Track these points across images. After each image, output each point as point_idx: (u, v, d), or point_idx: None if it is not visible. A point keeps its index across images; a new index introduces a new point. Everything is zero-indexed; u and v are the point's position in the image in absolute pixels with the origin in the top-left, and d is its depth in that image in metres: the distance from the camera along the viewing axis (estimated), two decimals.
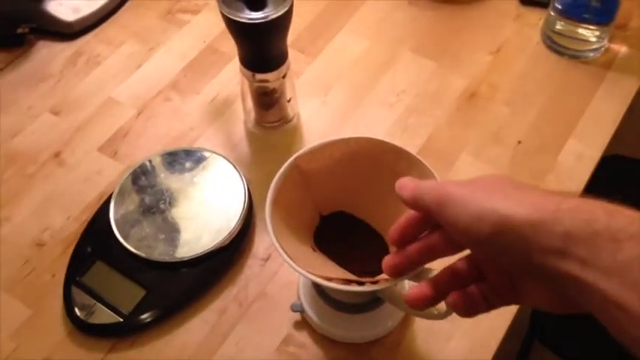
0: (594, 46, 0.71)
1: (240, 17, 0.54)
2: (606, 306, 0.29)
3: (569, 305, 0.34)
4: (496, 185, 0.35)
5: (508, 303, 0.38)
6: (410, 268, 0.40)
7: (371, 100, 0.70)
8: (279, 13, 0.54)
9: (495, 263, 0.36)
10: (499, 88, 0.70)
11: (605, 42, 0.71)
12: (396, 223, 0.40)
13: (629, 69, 0.70)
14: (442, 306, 0.45)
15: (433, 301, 0.39)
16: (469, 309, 0.38)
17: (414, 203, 0.38)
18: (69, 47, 0.76)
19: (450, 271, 0.39)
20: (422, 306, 0.39)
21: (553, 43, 0.72)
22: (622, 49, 0.72)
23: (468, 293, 0.38)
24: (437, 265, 0.40)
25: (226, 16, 0.55)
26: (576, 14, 0.69)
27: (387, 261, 0.40)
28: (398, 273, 0.40)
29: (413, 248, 0.39)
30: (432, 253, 0.39)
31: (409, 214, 0.39)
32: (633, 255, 0.29)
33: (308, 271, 0.43)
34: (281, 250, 0.43)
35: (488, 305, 0.38)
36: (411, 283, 0.56)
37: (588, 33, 0.70)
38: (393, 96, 0.70)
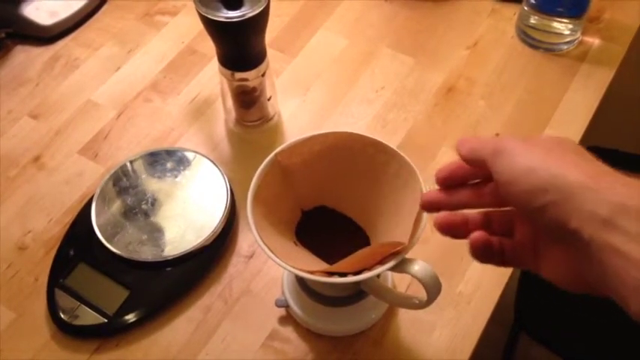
0: (568, 39, 0.72)
1: (216, 16, 0.54)
2: None
3: (584, 284, 0.33)
4: (556, 146, 0.34)
5: (525, 266, 0.38)
6: (446, 206, 0.40)
7: (351, 97, 0.71)
8: (256, 12, 0.54)
9: (531, 223, 0.36)
10: (476, 82, 0.71)
11: (579, 35, 0.73)
12: (445, 165, 0.39)
13: (602, 61, 0.72)
14: (423, 296, 0.46)
15: (453, 227, 0.39)
16: (483, 253, 0.37)
17: (471, 156, 0.37)
18: (47, 51, 0.76)
19: (484, 214, 0.39)
20: (434, 209, 0.40)
21: (527, 37, 0.73)
22: (595, 41, 0.73)
23: (489, 238, 0.37)
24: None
25: (203, 16, 0.55)
26: (549, 8, 0.70)
27: (428, 196, 0.40)
28: (433, 208, 0.40)
29: (459, 190, 0.39)
30: (475, 200, 0.38)
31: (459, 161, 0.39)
32: None
33: (291, 265, 0.43)
34: (263, 245, 0.44)
35: (504, 261, 0.38)
36: (394, 275, 0.57)
37: (562, 26, 0.71)
38: (372, 92, 0.71)
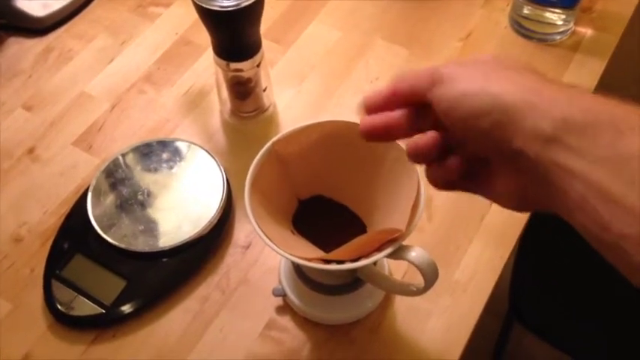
0: (561, 30, 0.73)
1: (212, 5, 0.54)
2: (592, 198, 0.27)
3: (532, 202, 0.32)
4: (495, 65, 0.33)
5: (470, 190, 0.36)
6: (384, 133, 0.36)
7: (345, 88, 0.71)
8: (251, 1, 0.54)
9: (474, 145, 0.34)
10: None
11: (572, 25, 0.73)
12: (372, 93, 0.37)
13: (595, 51, 0.72)
14: (420, 282, 0.46)
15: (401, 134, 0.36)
16: (439, 180, 0.36)
17: (412, 93, 0.35)
18: (40, 43, 0.75)
19: (432, 135, 0.35)
20: (373, 136, 0.36)
21: (521, 28, 0.74)
22: (588, 31, 0.74)
23: (444, 166, 0.35)
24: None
25: (198, 5, 0.55)
26: None
27: (365, 120, 0.36)
28: (372, 133, 0.37)
29: (397, 111, 0.35)
30: (415, 123, 0.35)
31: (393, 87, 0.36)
32: (635, 149, 0.27)
33: (288, 253, 0.43)
34: (261, 233, 0.44)
35: (453, 184, 0.36)
36: (390, 263, 0.57)
37: (555, 17, 0.72)
38: (366, 83, 0.71)
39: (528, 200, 0.33)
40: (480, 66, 0.33)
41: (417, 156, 0.36)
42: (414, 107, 0.36)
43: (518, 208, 0.34)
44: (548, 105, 0.29)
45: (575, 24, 0.74)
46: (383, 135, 0.37)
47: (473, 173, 0.36)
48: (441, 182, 0.37)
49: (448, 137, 0.35)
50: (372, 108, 0.37)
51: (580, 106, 0.29)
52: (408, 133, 0.36)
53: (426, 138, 0.35)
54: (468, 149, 0.35)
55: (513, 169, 0.33)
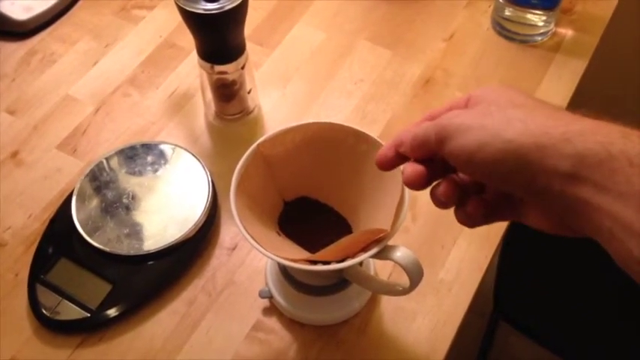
0: (542, 31, 0.74)
1: (195, 8, 0.54)
2: (619, 233, 0.28)
3: (567, 229, 0.33)
4: (499, 107, 0.33)
5: (505, 219, 0.38)
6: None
7: (330, 90, 0.71)
8: (235, 4, 0.55)
9: (499, 186, 0.35)
10: (453, 73, 0.72)
11: (552, 26, 0.74)
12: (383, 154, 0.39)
13: (575, 51, 0.73)
14: (405, 282, 0.46)
15: (448, 201, 0.37)
16: (470, 219, 0.37)
17: (423, 154, 0.36)
18: (23, 46, 0.75)
19: (452, 181, 0.37)
20: (418, 186, 0.37)
21: (503, 29, 0.75)
22: (568, 32, 0.75)
23: (466, 213, 0.37)
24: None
25: (182, 8, 0.55)
26: (523, 0, 0.71)
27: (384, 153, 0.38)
28: (391, 164, 0.39)
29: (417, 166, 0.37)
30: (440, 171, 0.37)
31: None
32: None
33: (274, 254, 0.44)
34: (247, 234, 0.44)
35: (486, 219, 0.37)
36: (376, 264, 0.57)
37: (536, 18, 0.73)
38: (351, 85, 0.72)
39: (564, 227, 0.33)
40: (482, 109, 0.34)
41: (441, 205, 0.37)
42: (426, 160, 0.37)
43: (557, 232, 0.35)
44: (562, 141, 0.30)
45: (556, 25, 0.75)
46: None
47: (504, 205, 0.37)
48: (471, 223, 0.38)
49: (466, 180, 0.37)
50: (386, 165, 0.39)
51: (594, 139, 0.29)
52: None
53: (443, 188, 0.37)
54: (494, 189, 0.36)
55: (542, 203, 0.33)
